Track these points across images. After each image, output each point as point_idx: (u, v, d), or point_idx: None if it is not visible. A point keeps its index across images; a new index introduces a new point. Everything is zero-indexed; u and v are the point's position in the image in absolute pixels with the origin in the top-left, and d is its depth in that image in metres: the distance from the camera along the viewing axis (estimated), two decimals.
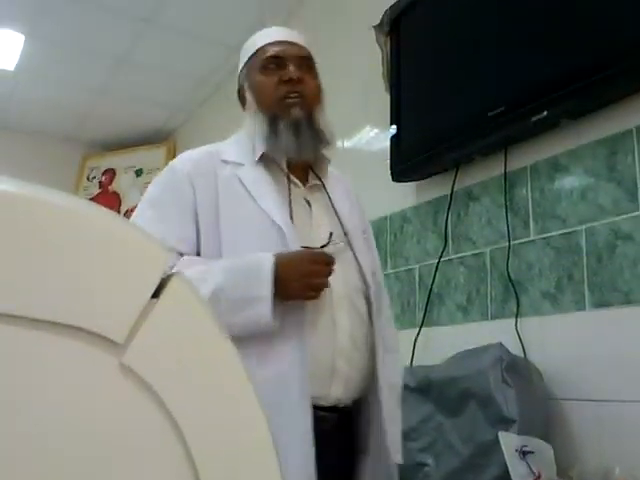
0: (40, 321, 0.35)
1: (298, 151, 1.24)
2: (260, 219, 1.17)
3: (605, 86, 1.47)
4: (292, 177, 1.27)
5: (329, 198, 1.30)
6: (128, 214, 4.18)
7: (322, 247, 1.18)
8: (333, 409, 1.17)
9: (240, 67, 1.44)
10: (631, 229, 1.44)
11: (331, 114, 2.70)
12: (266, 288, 1.07)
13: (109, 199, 4.26)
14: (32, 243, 0.35)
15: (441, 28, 1.99)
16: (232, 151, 1.31)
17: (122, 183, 4.34)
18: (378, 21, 2.19)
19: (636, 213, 1.43)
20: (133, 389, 0.36)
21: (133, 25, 3.12)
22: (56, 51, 3.41)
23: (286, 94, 1.27)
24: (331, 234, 1.21)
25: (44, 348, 0.35)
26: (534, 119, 1.59)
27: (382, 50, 2.20)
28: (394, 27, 2.14)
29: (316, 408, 1.11)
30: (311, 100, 1.30)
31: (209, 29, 3.15)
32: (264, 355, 1.10)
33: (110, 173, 4.40)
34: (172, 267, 1.05)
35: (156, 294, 0.37)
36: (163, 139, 4.37)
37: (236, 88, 1.46)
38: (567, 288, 1.56)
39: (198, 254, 1.18)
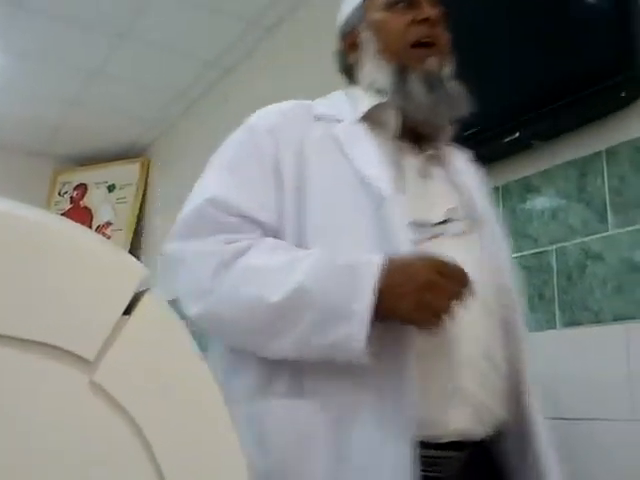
0: (8, 337, 0.34)
1: (433, 111, 1.01)
2: (357, 185, 0.94)
3: (576, 109, 1.49)
4: (403, 143, 1.03)
5: (449, 172, 1.07)
6: (100, 230, 4.13)
7: (437, 225, 0.93)
8: (453, 446, 0.86)
9: (353, 4, 1.15)
10: (601, 249, 1.46)
11: None
12: (363, 300, 0.78)
13: (81, 214, 4.21)
14: (1, 258, 0.34)
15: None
16: (327, 107, 1.08)
17: (94, 198, 4.29)
18: None
19: (605, 233, 1.46)
20: (104, 407, 0.35)
21: (107, 38, 3.10)
22: (28, 64, 3.38)
23: (419, 39, 1.03)
24: (451, 210, 0.97)
25: (12, 365, 0.34)
26: (507, 140, 1.61)
27: None
28: None
29: (426, 445, 0.82)
30: (446, 52, 1.07)
31: (185, 43, 3.15)
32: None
33: (82, 188, 4.35)
34: (249, 247, 0.89)
35: (128, 311, 0.37)
36: (137, 154, 4.34)
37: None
38: (538, 307, 1.57)
39: (272, 232, 0.95)
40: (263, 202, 0.95)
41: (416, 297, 0.78)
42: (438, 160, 1.06)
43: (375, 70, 1.06)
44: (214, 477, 0.38)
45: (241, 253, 0.88)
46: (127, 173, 4.25)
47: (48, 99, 3.73)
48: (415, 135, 1.05)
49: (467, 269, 0.83)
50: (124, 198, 4.19)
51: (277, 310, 0.83)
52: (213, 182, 1.00)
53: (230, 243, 0.90)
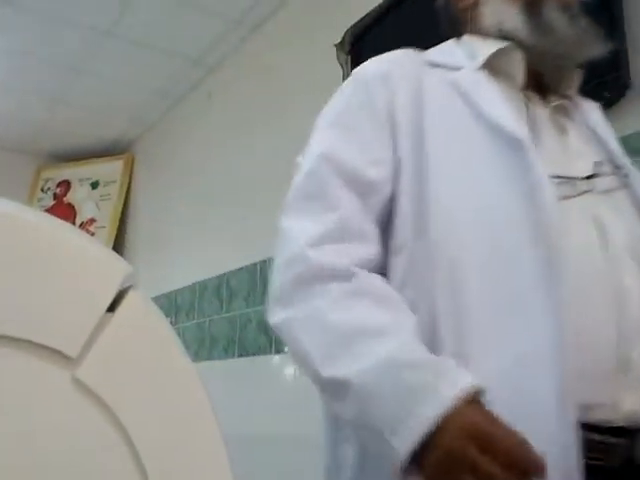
0: None
1: (576, 45, 0.90)
2: (487, 133, 0.82)
3: None
4: (529, 93, 0.92)
5: (582, 124, 0.95)
6: (83, 226, 4.11)
7: (587, 179, 0.82)
8: (623, 432, 0.72)
9: None
10: None
11: (291, 130, 2.72)
12: (403, 442, 0.65)
13: (64, 211, 4.18)
14: None
15: (401, 48, 2.02)
16: (441, 54, 0.99)
17: (77, 195, 4.26)
18: (339, 40, 2.22)
19: None
20: (86, 404, 0.35)
21: (91, 35, 3.08)
22: (12, 61, 3.35)
23: None
24: (598, 164, 0.86)
25: None
26: None
27: (343, 69, 2.22)
28: (355, 46, 2.17)
29: (589, 428, 0.70)
30: None
31: (169, 41, 3.14)
32: (497, 329, 0.73)
33: (65, 185, 4.32)
34: (347, 277, 0.78)
35: (112, 308, 0.37)
36: (121, 151, 4.32)
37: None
38: None
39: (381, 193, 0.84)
40: (376, 157, 0.85)
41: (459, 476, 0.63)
42: (566, 112, 0.94)
43: (500, 9, 0.94)
44: (198, 475, 0.38)
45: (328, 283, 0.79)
46: (111, 170, 4.22)
47: (32, 95, 3.70)
48: (538, 85, 0.94)
49: (621, 229, 0.78)
50: (108, 195, 4.17)
51: (323, 386, 0.76)
52: (321, 142, 0.92)
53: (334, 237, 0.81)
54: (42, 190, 4.36)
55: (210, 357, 2.96)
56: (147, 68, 3.38)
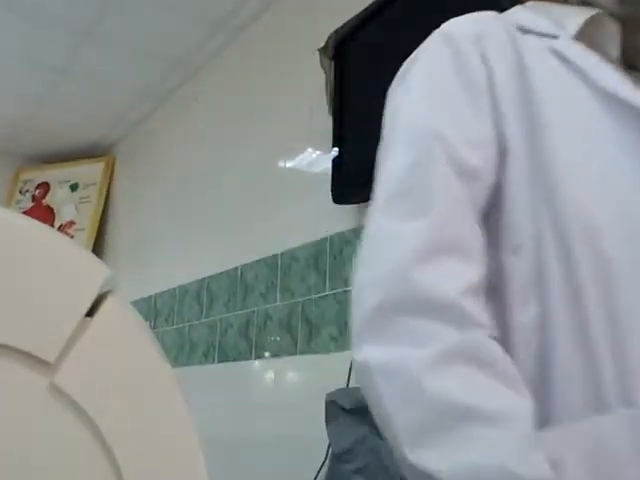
0: None
1: None
2: (607, 108, 0.70)
3: None
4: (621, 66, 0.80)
5: None
6: (62, 229, 4.07)
7: None
8: None
9: None
10: None
11: (273, 134, 2.71)
12: None
13: (43, 213, 4.14)
14: None
15: (383, 53, 2.03)
16: (532, 18, 0.81)
17: (56, 197, 4.22)
18: (323, 44, 2.22)
19: None
20: (64, 411, 0.34)
21: (71, 36, 3.06)
22: None
23: None
24: None
25: None
26: None
27: (326, 73, 2.23)
28: (338, 51, 2.18)
29: None
30: None
31: (150, 43, 3.13)
32: None
33: (44, 187, 4.27)
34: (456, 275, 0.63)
35: (91, 312, 0.36)
36: (102, 153, 4.28)
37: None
38: None
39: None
40: (478, 137, 0.70)
41: None
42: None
43: None
44: (173, 477, 0.37)
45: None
46: (91, 172, 4.19)
47: (12, 96, 3.66)
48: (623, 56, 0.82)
49: None
50: (87, 197, 4.13)
51: (406, 466, 0.61)
52: (407, 116, 0.76)
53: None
54: (20, 192, 4.31)
55: (190, 362, 2.94)
56: (129, 69, 3.36)
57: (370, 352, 0.63)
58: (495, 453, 0.56)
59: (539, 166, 0.69)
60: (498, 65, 0.73)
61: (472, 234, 0.67)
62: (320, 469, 1.87)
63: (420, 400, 0.60)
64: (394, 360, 0.61)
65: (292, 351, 2.29)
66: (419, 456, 0.58)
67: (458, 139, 0.69)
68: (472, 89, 0.72)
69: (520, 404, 0.59)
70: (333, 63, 2.19)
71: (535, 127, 0.70)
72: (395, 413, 0.61)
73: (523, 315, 0.66)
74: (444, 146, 0.69)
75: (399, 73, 0.84)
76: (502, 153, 0.70)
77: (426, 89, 0.76)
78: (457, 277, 0.63)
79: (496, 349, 0.62)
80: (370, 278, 0.67)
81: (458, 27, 0.79)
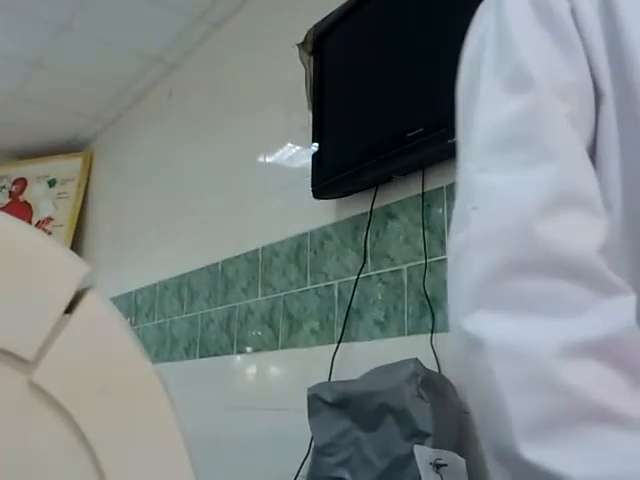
0: None
1: None
2: None
3: None
4: None
5: None
6: (40, 225, 4.02)
7: None
8: None
9: None
10: None
11: (253, 129, 2.70)
12: None
13: (20, 209, 4.09)
14: None
15: (363, 48, 2.03)
16: None
17: (34, 193, 4.17)
18: (302, 39, 2.22)
19: None
20: (43, 409, 0.34)
21: (49, 30, 3.02)
22: None
23: None
24: None
25: None
26: (450, 141, 1.64)
27: (305, 68, 2.22)
28: (317, 46, 2.17)
29: None
30: None
31: (129, 38, 3.10)
32: None
33: (21, 182, 4.22)
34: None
35: (69, 309, 0.36)
36: (79, 149, 4.24)
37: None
38: None
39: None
40: (571, 83, 0.61)
41: None
42: None
43: None
44: (157, 477, 0.37)
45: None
46: (69, 167, 4.14)
47: None
48: None
49: None
50: (65, 193, 4.09)
51: (516, 465, 0.51)
52: (521, 52, 0.63)
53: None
54: None
55: (171, 358, 2.93)
56: (107, 64, 3.33)
57: (487, 322, 0.53)
58: (634, 464, 0.47)
59: (631, 114, 0.60)
60: (582, 8, 0.63)
61: (596, 185, 0.57)
62: (303, 462, 1.87)
63: (551, 390, 0.50)
64: (521, 338, 0.51)
65: (274, 346, 2.29)
66: (542, 454, 0.49)
67: (557, 84, 0.61)
68: (558, 28, 0.63)
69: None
70: (312, 58, 2.19)
71: (626, 67, 0.60)
72: (514, 400, 0.51)
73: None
74: (548, 92, 0.60)
75: (476, 16, 0.72)
76: (597, 99, 0.61)
77: (510, 31, 0.65)
78: (590, 233, 0.54)
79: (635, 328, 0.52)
80: (483, 236, 0.56)
81: None
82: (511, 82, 0.62)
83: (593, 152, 0.61)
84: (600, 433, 0.48)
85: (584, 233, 0.54)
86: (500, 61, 0.65)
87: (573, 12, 0.63)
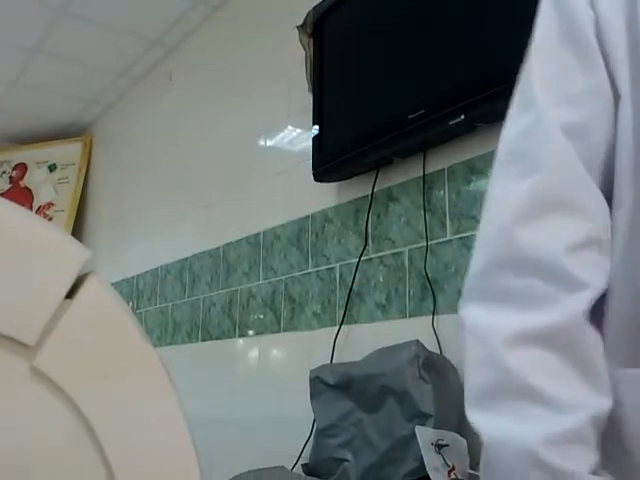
0: None
1: None
2: None
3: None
4: None
5: None
6: (40, 210, 4.02)
7: None
8: None
9: None
10: None
11: (254, 112, 2.69)
12: None
13: (20, 195, 4.09)
14: None
15: (364, 31, 2.02)
16: None
17: (34, 178, 4.17)
18: (302, 21, 2.20)
19: None
20: (45, 393, 0.34)
21: (46, 14, 3.00)
22: None
23: None
24: None
25: None
26: (452, 123, 1.63)
27: (305, 50, 2.21)
28: (317, 28, 2.16)
29: None
30: None
31: (127, 21, 3.07)
32: None
33: (21, 168, 4.21)
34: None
35: (70, 294, 0.36)
36: (79, 133, 4.23)
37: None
38: None
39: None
40: (581, 91, 0.67)
41: None
42: None
43: None
44: (162, 461, 0.37)
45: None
46: (69, 152, 4.13)
47: None
48: None
49: None
50: (66, 178, 4.08)
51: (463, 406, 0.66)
52: (534, 78, 0.70)
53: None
54: None
55: (173, 342, 2.95)
56: (105, 48, 3.31)
57: (469, 310, 0.66)
58: (534, 432, 0.58)
59: None
60: (610, 16, 0.67)
61: (581, 189, 0.64)
62: (305, 444, 1.89)
63: (494, 369, 0.62)
64: (486, 324, 0.63)
65: (276, 329, 2.30)
66: (473, 416, 0.64)
67: (561, 98, 0.67)
68: (577, 40, 0.68)
69: (587, 401, 0.59)
70: (312, 40, 2.18)
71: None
72: (469, 372, 0.65)
73: (620, 267, 0.65)
74: (548, 107, 0.67)
75: None
76: (615, 102, 0.66)
77: (535, 48, 0.73)
78: (562, 234, 0.62)
79: (590, 339, 0.61)
80: (479, 239, 0.69)
81: None
82: (521, 102, 0.73)
83: (613, 154, 0.66)
84: (523, 408, 0.59)
85: (556, 235, 0.62)
86: (521, 81, 0.74)
87: (596, 21, 0.67)
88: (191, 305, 2.85)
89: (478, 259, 0.67)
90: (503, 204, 0.66)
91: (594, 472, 0.58)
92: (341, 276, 2.06)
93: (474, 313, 0.65)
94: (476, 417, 0.63)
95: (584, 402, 0.59)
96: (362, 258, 1.97)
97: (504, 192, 0.67)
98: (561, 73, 0.69)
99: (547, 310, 0.61)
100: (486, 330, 0.63)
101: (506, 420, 0.60)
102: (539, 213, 0.63)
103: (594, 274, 0.62)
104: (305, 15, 2.19)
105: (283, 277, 2.30)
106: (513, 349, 0.60)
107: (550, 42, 0.71)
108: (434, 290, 1.72)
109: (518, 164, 0.68)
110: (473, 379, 0.64)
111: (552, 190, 0.64)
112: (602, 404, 0.60)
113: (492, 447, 0.63)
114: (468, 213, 1.68)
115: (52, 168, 4.14)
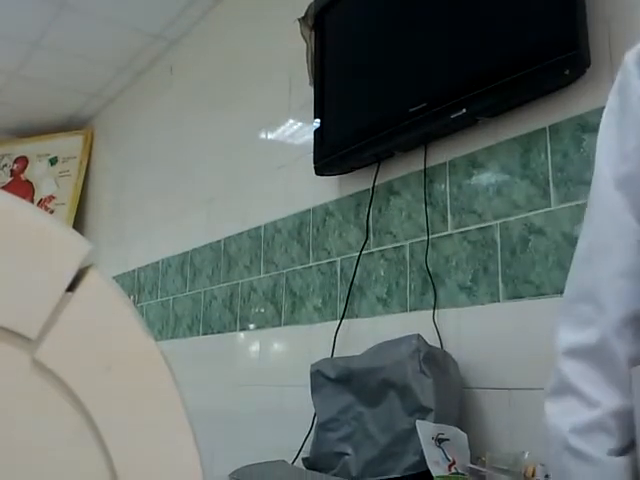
0: None
1: None
2: None
3: (521, 86, 1.52)
4: None
5: None
6: (42, 204, 4.02)
7: None
8: None
9: None
10: (543, 224, 1.50)
11: (255, 106, 2.68)
12: None
13: (22, 188, 4.09)
14: None
15: (365, 23, 2.01)
16: None
17: (35, 171, 4.17)
18: (303, 13, 2.19)
19: (548, 209, 1.50)
20: (47, 387, 0.34)
21: (48, 8, 2.99)
22: None
23: None
24: None
25: None
26: (453, 116, 1.63)
27: (307, 43, 2.20)
28: (319, 20, 2.15)
29: None
30: None
31: (129, 15, 3.07)
32: None
33: (22, 161, 4.21)
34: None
35: (72, 287, 0.36)
36: (80, 126, 4.22)
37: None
38: (482, 280, 1.61)
39: None
40: (623, 151, 0.74)
41: None
42: None
43: None
44: (164, 455, 0.37)
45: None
46: (70, 145, 4.13)
47: None
48: None
49: None
50: (67, 171, 4.08)
51: None
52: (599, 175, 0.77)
53: None
54: None
55: (174, 335, 2.95)
56: (107, 42, 3.30)
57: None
58: (568, 422, 0.75)
59: None
60: None
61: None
62: (306, 438, 1.89)
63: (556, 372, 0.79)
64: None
65: (276, 322, 2.30)
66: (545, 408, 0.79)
67: (617, 160, 0.76)
68: (630, 111, 0.75)
69: (610, 400, 0.73)
70: (313, 33, 2.17)
71: None
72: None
73: None
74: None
75: None
76: None
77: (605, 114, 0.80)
78: (572, 418, 0.77)
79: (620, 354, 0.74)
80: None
81: (630, 53, 0.77)
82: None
83: None
84: (568, 400, 0.76)
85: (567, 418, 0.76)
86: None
87: None
88: (192, 299, 2.85)
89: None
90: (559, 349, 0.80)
91: (613, 454, 0.72)
92: (342, 270, 2.06)
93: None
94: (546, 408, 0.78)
95: (607, 400, 0.73)
96: (363, 252, 1.97)
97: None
98: (616, 136, 0.76)
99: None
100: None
101: (556, 411, 0.77)
102: (560, 394, 0.79)
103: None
104: (307, 7, 2.18)
105: (284, 271, 2.30)
106: (566, 359, 0.76)
107: (610, 130, 0.77)
108: (435, 284, 1.72)
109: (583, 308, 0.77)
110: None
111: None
112: (622, 402, 0.73)
113: (546, 431, 0.78)
114: (469, 207, 1.68)
115: (53, 161, 4.14)
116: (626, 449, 0.72)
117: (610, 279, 0.73)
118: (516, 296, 1.53)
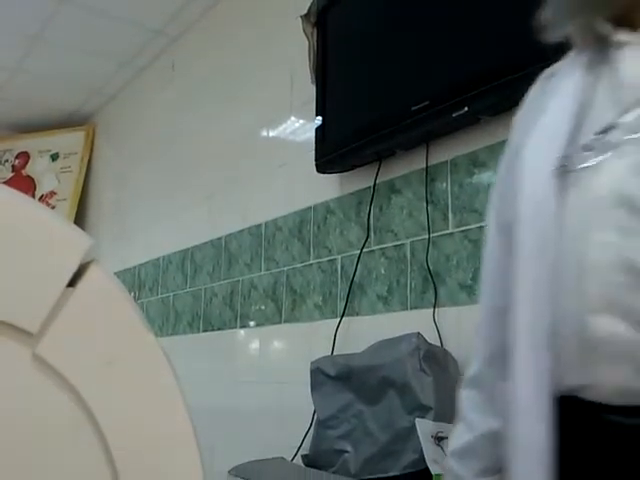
0: None
1: None
2: None
3: (522, 85, 1.51)
4: None
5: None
6: (43, 199, 4.02)
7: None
8: (618, 410, 0.61)
9: None
10: None
11: (256, 103, 2.68)
12: None
13: (23, 183, 4.09)
14: None
15: (367, 21, 2.01)
16: None
17: (37, 167, 4.16)
18: (306, 11, 2.19)
19: None
20: (47, 381, 0.34)
21: (49, 2, 2.99)
22: None
23: None
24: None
25: None
26: (455, 115, 1.63)
27: (309, 40, 2.20)
28: (321, 18, 2.15)
29: (577, 405, 0.65)
30: None
31: (131, 11, 3.06)
32: None
33: (24, 157, 4.21)
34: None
35: (73, 282, 0.36)
36: (81, 122, 4.22)
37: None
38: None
39: None
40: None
41: None
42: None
43: None
44: (164, 450, 0.38)
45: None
46: (72, 141, 4.13)
47: None
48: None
49: (618, 177, 0.66)
50: (69, 167, 4.08)
51: None
52: None
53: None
54: (0, 162, 4.25)
55: (175, 332, 2.95)
56: (108, 37, 3.29)
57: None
58: (451, 445, 0.89)
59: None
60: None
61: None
62: (305, 435, 1.89)
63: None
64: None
65: (277, 320, 2.30)
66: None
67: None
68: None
69: (483, 423, 0.84)
70: (316, 30, 2.17)
71: None
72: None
73: None
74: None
75: None
76: None
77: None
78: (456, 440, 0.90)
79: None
80: None
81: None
82: None
83: None
84: (459, 424, 0.88)
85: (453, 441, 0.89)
86: None
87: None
88: (192, 295, 2.85)
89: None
90: None
91: (480, 475, 0.82)
92: (342, 268, 2.06)
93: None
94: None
95: (481, 423, 0.84)
96: (364, 250, 1.97)
97: None
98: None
99: None
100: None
101: (453, 434, 0.90)
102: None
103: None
104: (309, 5, 2.18)
105: (284, 268, 2.30)
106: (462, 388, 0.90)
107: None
108: (435, 283, 1.72)
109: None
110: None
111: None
112: (493, 424, 0.82)
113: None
114: (470, 206, 1.68)
115: (54, 157, 4.14)
116: (499, 469, 0.78)
117: (479, 320, 0.89)
118: None
